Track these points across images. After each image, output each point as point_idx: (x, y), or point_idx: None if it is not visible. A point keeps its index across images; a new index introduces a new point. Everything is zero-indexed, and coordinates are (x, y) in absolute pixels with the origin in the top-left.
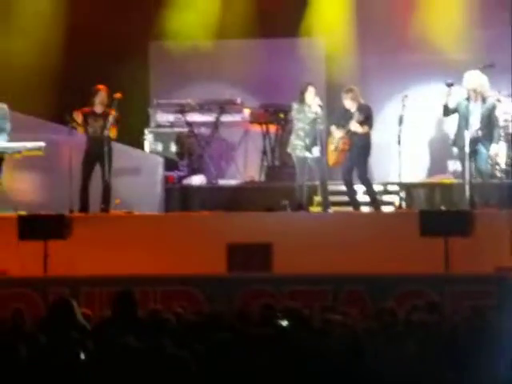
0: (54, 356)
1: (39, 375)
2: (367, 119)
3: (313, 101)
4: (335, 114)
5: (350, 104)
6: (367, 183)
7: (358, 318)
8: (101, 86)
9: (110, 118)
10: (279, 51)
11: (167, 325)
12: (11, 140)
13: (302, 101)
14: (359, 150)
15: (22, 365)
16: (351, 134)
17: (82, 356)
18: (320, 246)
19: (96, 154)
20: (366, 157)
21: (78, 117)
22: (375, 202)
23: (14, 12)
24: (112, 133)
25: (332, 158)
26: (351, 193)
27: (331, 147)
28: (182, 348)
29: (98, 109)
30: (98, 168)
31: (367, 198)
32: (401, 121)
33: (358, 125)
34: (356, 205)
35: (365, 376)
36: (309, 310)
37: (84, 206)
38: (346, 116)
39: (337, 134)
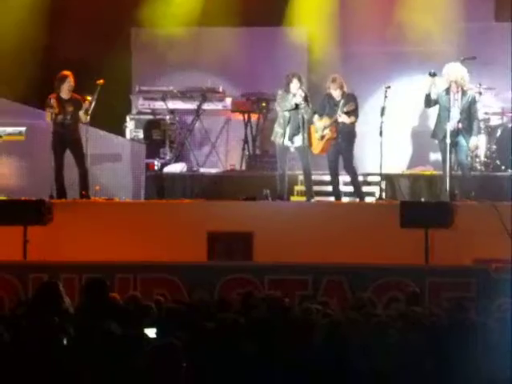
0: (37, 340)
1: (22, 359)
2: (354, 109)
3: (297, 91)
4: (319, 103)
5: (336, 93)
6: (353, 172)
7: (337, 307)
8: (68, 73)
9: (93, 104)
10: (261, 40)
11: (148, 312)
12: None
13: (286, 89)
14: (345, 139)
15: (4, 349)
16: (337, 123)
17: (65, 341)
18: (301, 236)
19: (63, 141)
20: (352, 146)
21: (54, 102)
22: (359, 192)
23: None
24: (84, 118)
25: (318, 146)
26: (335, 182)
27: (315, 136)
28: (165, 336)
29: (65, 95)
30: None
31: (349, 189)
32: (383, 112)
33: (345, 116)
34: (338, 195)
35: (347, 366)
36: (289, 298)
37: (61, 192)
38: (331, 104)
39: (321, 122)
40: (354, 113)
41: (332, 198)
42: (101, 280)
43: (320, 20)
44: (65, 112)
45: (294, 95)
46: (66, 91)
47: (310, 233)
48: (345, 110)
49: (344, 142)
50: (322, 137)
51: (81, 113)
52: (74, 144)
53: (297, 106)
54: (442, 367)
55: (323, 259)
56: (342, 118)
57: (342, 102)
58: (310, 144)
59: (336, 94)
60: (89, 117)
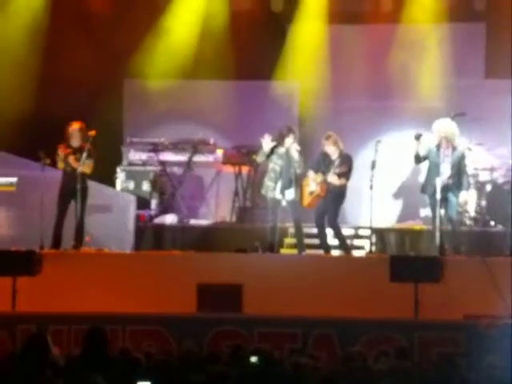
0: None
1: None
2: (346, 172)
3: (291, 145)
4: (314, 159)
5: (331, 150)
6: (336, 229)
7: (326, 361)
8: (74, 122)
9: (84, 154)
10: (253, 93)
11: (138, 364)
12: None
13: (280, 143)
14: (333, 198)
15: None
16: (327, 183)
17: None
18: (291, 288)
19: (71, 190)
20: (338, 204)
21: (62, 152)
22: (344, 247)
23: None
24: (86, 168)
25: (307, 200)
26: (322, 236)
27: (306, 189)
28: None
29: (74, 143)
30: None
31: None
32: (373, 166)
33: (335, 177)
34: (326, 248)
35: None
36: (278, 352)
37: (56, 243)
38: (326, 162)
39: (314, 178)
40: (345, 175)
41: (322, 251)
42: (101, 330)
43: (311, 74)
44: (71, 161)
45: (287, 149)
46: (74, 141)
47: (299, 285)
48: (336, 171)
49: (331, 200)
50: (311, 192)
51: (73, 160)
52: (79, 193)
53: (290, 161)
54: None
55: (313, 312)
56: (332, 179)
57: (337, 162)
58: (301, 196)
59: (331, 151)
60: (85, 167)
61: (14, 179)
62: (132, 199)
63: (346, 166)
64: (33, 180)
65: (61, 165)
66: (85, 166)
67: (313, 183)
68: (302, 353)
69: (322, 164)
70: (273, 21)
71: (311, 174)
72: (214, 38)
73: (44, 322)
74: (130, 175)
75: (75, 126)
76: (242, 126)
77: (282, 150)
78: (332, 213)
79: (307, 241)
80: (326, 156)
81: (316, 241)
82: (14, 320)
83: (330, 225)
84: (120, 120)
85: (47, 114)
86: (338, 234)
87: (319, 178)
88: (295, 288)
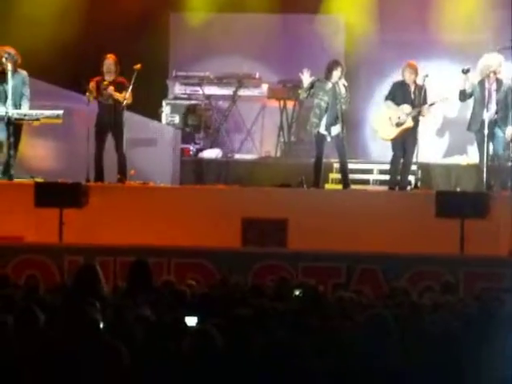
0: (74, 324)
1: (58, 341)
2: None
3: (338, 80)
4: (389, 90)
5: (411, 79)
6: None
7: (371, 296)
8: (108, 55)
9: (129, 88)
10: (299, 27)
11: (184, 297)
12: (30, 107)
13: (327, 77)
14: (415, 131)
15: (40, 330)
16: (415, 115)
17: (101, 325)
18: (335, 224)
19: (108, 123)
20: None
21: (92, 85)
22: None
23: None
24: (128, 99)
25: (391, 132)
26: (395, 171)
27: (388, 122)
28: (202, 321)
29: (108, 77)
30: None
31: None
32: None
33: (428, 109)
34: (396, 183)
35: (385, 357)
36: (323, 286)
37: (99, 175)
38: (405, 92)
39: (397, 110)
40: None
41: (366, 187)
42: (146, 262)
43: (357, 7)
44: (107, 94)
45: (333, 84)
46: (109, 73)
47: (344, 221)
48: (430, 103)
49: (414, 134)
50: (399, 124)
51: (120, 95)
52: (116, 127)
53: (336, 97)
54: (478, 360)
55: (357, 248)
56: (426, 112)
57: (417, 93)
58: (378, 127)
59: (410, 81)
60: (126, 100)
61: (60, 111)
62: (177, 133)
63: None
64: (78, 112)
65: (90, 97)
66: (127, 97)
67: (399, 115)
68: (346, 288)
69: (401, 95)
70: None
71: (389, 104)
72: None
73: (91, 253)
74: (175, 109)
75: (111, 59)
76: (288, 60)
77: (328, 85)
78: (414, 148)
79: (352, 176)
80: (403, 86)
81: (362, 176)
82: (61, 251)
83: (409, 161)
84: (166, 54)
85: (93, 47)
86: (410, 171)
87: (408, 109)
88: (340, 223)
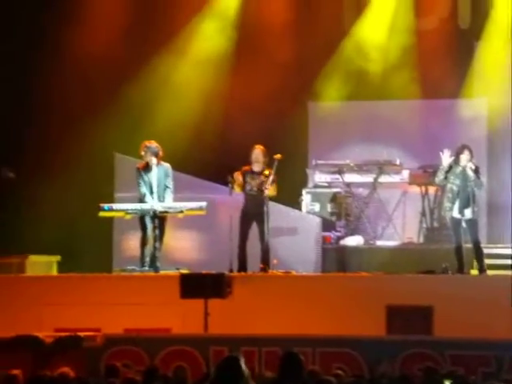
0: None
1: None
2: None
3: (467, 163)
4: None
5: None
6: None
7: None
8: (257, 145)
9: (270, 178)
10: (439, 112)
11: None
12: (173, 199)
13: (456, 162)
14: None
15: None
16: None
17: None
18: (481, 311)
19: (253, 213)
20: None
21: (239, 177)
22: None
23: (179, 75)
24: (271, 191)
25: None
26: None
27: None
28: None
29: (256, 167)
30: (255, 228)
31: None
32: None
33: None
34: None
35: None
36: (472, 375)
37: (242, 265)
38: None
39: None
40: None
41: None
42: (297, 354)
43: (499, 90)
44: (254, 184)
45: (463, 168)
46: (255, 164)
47: (490, 307)
48: None
49: None
50: None
51: (266, 186)
52: (261, 215)
53: (467, 180)
54: None
55: (504, 335)
56: None
57: None
58: None
59: None
60: (270, 191)
61: (203, 203)
62: (318, 221)
63: None
64: (220, 204)
65: (237, 189)
66: (271, 189)
67: None
68: (497, 377)
69: None
70: (460, 37)
71: None
72: (400, 56)
73: (235, 343)
74: (315, 197)
75: (259, 149)
76: (429, 145)
77: (458, 168)
78: None
79: (502, 261)
80: None
81: (503, 261)
82: (207, 342)
83: None
84: (305, 143)
85: (233, 139)
86: None
87: None
88: (486, 310)
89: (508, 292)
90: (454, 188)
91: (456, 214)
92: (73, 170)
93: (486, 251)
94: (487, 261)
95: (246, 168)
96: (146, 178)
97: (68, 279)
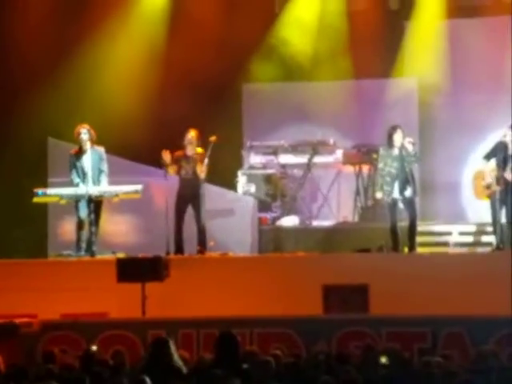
0: None
1: None
2: None
3: (402, 141)
4: (491, 148)
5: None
6: None
7: (458, 361)
8: (190, 129)
9: (205, 161)
10: (371, 92)
11: (268, 367)
12: (108, 183)
13: (390, 144)
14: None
15: None
16: (505, 178)
17: None
18: (416, 287)
19: (188, 196)
20: None
21: (167, 157)
22: None
23: (112, 57)
24: (203, 174)
25: (483, 193)
26: (498, 230)
27: (481, 182)
28: None
29: (189, 151)
30: (191, 210)
31: (466, 238)
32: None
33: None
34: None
35: None
36: (408, 352)
37: (179, 248)
38: (503, 153)
39: (490, 171)
40: None
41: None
42: (233, 334)
43: (429, 70)
44: (188, 168)
45: (399, 148)
46: (189, 148)
47: (425, 284)
48: None
49: (509, 194)
50: (488, 185)
51: (198, 169)
52: (196, 199)
53: (403, 159)
54: None
55: (440, 311)
56: (509, 176)
57: None
58: (476, 189)
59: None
60: (204, 173)
61: (139, 186)
62: (253, 202)
63: None
64: (156, 186)
65: (171, 171)
66: (202, 172)
67: (488, 176)
68: (432, 352)
69: (499, 155)
70: (390, 18)
71: (487, 165)
72: (331, 38)
73: (173, 326)
74: (250, 179)
75: (193, 134)
76: (361, 124)
77: (395, 151)
78: (510, 207)
79: (436, 238)
80: (504, 147)
81: (438, 238)
82: (144, 325)
83: (508, 220)
84: (240, 124)
85: (168, 122)
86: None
87: (495, 171)
88: (421, 287)
89: (442, 268)
90: (393, 171)
91: (396, 194)
92: (4, 155)
93: (419, 229)
94: (420, 238)
95: (179, 153)
96: (78, 163)
97: (3, 265)
